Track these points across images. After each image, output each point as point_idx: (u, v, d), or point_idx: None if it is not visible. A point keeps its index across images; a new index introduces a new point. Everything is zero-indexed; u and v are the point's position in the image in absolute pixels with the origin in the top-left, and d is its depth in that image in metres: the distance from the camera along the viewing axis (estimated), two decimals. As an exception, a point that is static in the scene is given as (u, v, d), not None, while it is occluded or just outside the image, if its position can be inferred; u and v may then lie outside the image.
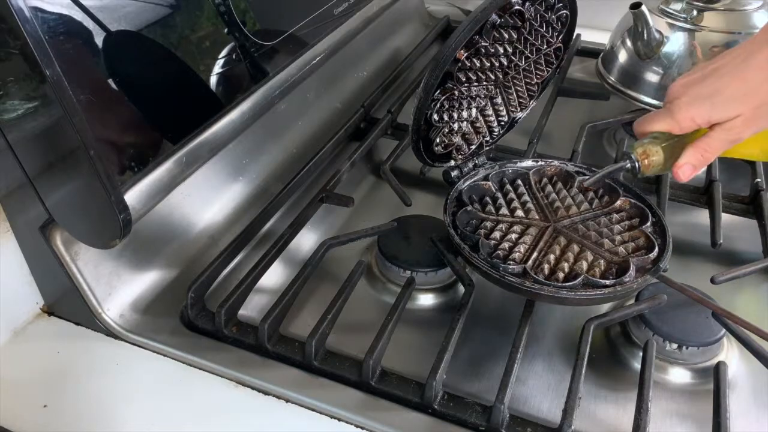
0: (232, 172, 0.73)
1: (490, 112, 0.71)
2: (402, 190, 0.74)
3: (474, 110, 0.69)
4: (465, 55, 0.61)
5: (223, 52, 0.68)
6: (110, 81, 0.55)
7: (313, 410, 0.52)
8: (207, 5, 0.66)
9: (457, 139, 0.69)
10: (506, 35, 0.63)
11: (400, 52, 1.08)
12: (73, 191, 0.54)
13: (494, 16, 0.60)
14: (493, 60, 0.65)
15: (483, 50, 0.62)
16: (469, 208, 0.66)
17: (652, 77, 0.89)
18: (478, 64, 0.64)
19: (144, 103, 0.59)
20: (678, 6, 0.89)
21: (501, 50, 0.64)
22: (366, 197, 0.81)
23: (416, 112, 0.62)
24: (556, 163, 0.73)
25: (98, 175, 0.50)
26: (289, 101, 0.80)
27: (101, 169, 0.51)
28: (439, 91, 0.62)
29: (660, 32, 0.88)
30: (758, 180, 0.76)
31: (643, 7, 0.86)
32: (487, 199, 0.68)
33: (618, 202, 0.67)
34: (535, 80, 0.72)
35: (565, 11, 0.65)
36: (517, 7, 0.60)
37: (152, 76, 0.61)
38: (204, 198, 0.69)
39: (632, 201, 0.67)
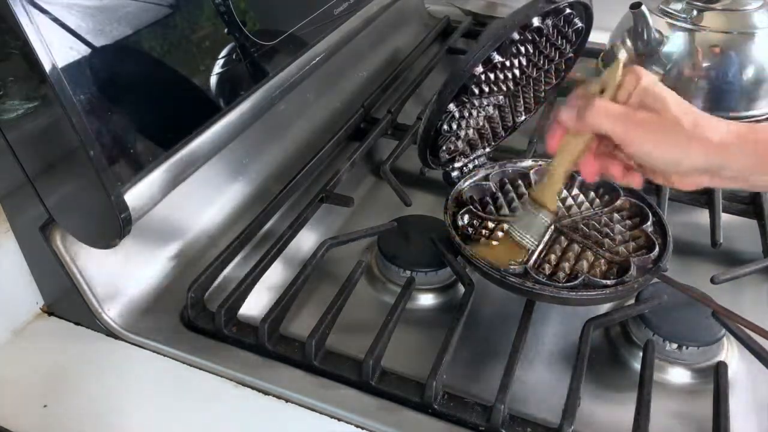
0: (232, 172, 0.73)
1: (497, 119, 0.71)
2: (402, 190, 0.74)
3: (482, 118, 0.69)
4: (481, 70, 0.61)
5: (223, 52, 0.68)
6: (110, 81, 0.55)
7: (313, 410, 0.52)
8: (207, 5, 0.66)
9: (462, 145, 0.69)
10: (522, 49, 0.63)
11: (400, 52, 1.08)
12: (73, 191, 0.54)
13: (514, 34, 0.60)
14: (507, 73, 0.65)
15: (499, 65, 0.62)
16: (470, 208, 0.66)
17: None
18: (492, 77, 0.64)
19: (144, 103, 0.59)
20: (678, 6, 0.89)
21: (516, 63, 0.64)
22: (366, 197, 0.81)
23: (427, 122, 0.62)
24: (556, 163, 0.72)
25: (98, 175, 0.50)
26: (289, 101, 0.80)
27: (101, 169, 0.51)
28: (452, 103, 0.62)
29: (660, 32, 0.88)
30: (758, 180, 0.76)
31: (643, 7, 0.86)
32: (488, 199, 0.68)
33: (618, 202, 0.67)
34: (544, 87, 0.72)
35: (581, 24, 0.65)
36: (536, 24, 0.60)
37: (152, 75, 0.61)
38: (204, 198, 0.69)
39: (633, 201, 0.67)
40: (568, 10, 0.63)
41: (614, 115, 0.50)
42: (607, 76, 0.52)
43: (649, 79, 0.51)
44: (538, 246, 0.60)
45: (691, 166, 0.50)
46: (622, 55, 0.54)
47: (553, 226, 0.65)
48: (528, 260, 0.60)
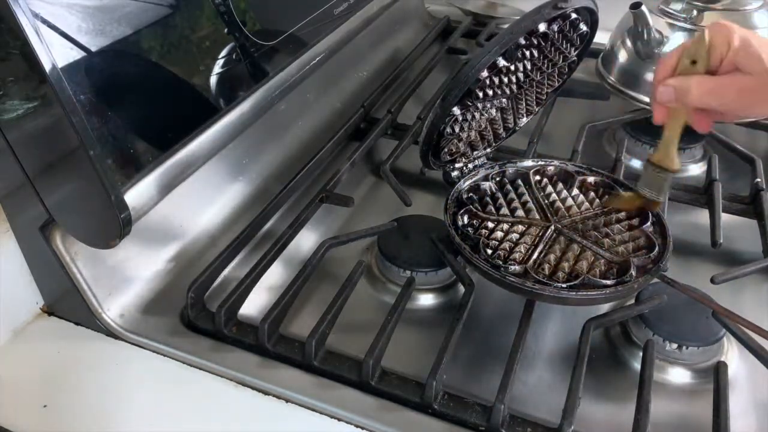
0: (232, 172, 0.73)
1: (498, 120, 0.71)
2: (402, 190, 0.74)
3: (484, 120, 0.69)
4: (486, 75, 0.61)
5: (223, 52, 0.68)
6: (110, 80, 0.55)
7: (313, 410, 0.52)
8: (207, 5, 0.66)
9: (463, 147, 0.69)
10: (528, 53, 0.63)
11: (400, 52, 1.08)
12: (73, 191, 0.54)
13: (520, 39, 0.61)
14: (511, 76, 0.65)
15: (504, 69, 0.62)
16: (470, 208, 0.66)
17: (651, 77, 0.89)
18: (497, 81, 0.64)
19: (144, 103, 0.59)
20: (678, 6, 0.89)
21: (520, 67, 0.65)
22: (366, 197, 0.81)
23: (430, 126, 0.62)
24: (556, 163, 0.73)
25: (98, 175, 0.50)
26: (289, 101, 0.80)
27: (101, 169, 0.51)
28: (456, 106, 0.63)
29: (660, 32, 0.88)
30: (758, 180, 0.76)
31: (643, 7, 0.86)
32: (488, 199, 0.68)
33: (618, 202, 0.67)
34: (546, 90, 0.72)
35: (586, 29, 0.65)
36: (543, 29, 0.60)
37: (152, 75, 0.61)
38: (204, 198, 0.69)
39: (632, 201, 0.67)
40: (574, 15, 0.63)
41: (712, 91, 0.53)
42: (696, 48, 0.53)
43: (741, 39, 0.52)
44: (663, 200, 0.63)
45: None
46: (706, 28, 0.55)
47: (553, 226, 0.65)
48: (528, 260, 0.60)
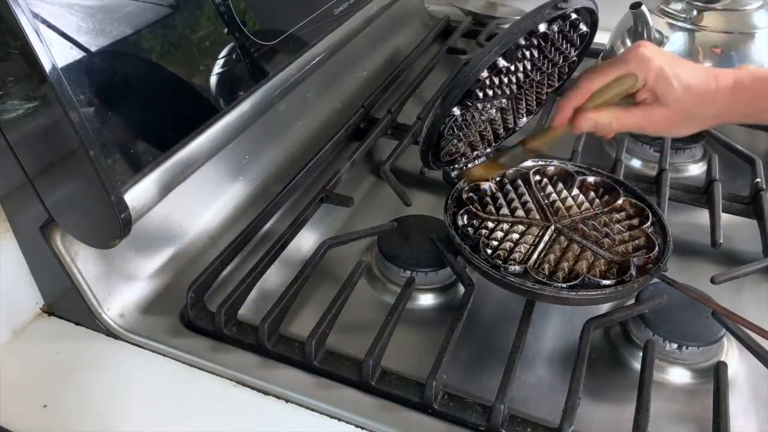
0: (232, 172, 0.73)
1: (498, 120, 0.71)
2: (402, 190, 0.74)
3: (484, 121, 0.69)
4: (486, 75, 0.61)
5: (223, 52, 0.68)
6: (110, 80, 0.55)
7: (313, 410, 0.52)
8: (207, 5, 0.66)
9: (463, 147, 0.69)
10: (528, 54, 0.63)
11: (400, 52, 1.08)
12: (73, 191, 0.54)
13: (520, 39, 0.61)
14: (511, 77, 0.65)
15: (504, 70, 0.62)
16: (470, 208, 0.66)
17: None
18: (497, 82, 0.64)
19: (144, 103, 0.59)
20: (678, 6, 0.89)
21: (520, 67, 0.65)
22: (366, 197, 0.81)
23: (430, 126, 0.62)
24: (556, 163, 0.73)
25: (98, 175, 0.51)
26: (289, 101, 0.80)
27: (101, 169, 0.51)
28: (456, 107, 0.63)
29: (660, 32, 0.88)
30: (758, 180, 0.76)
31: (643, 7, 0.86)
32: (488, 199, 0.68)
33: (618, 202, 0.67)
34: (546, 90, 0.72)
35: (586, 29, 0.65)
36: (543, 29, 0.60)
37: (152, 75, 0.61)
38: (204, 198, 0.69)
39: (632, 201, 0.67)
40: (574, 16, 0.63)
41: (632, 125, 0.61)
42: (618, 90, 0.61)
43: (656, 69, 0.59)
44: (508, 169, 0.71)
45: (697, 131, 0.63)
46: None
47: (553, 226, 0.65)
48: (528, 260, 0.60)
